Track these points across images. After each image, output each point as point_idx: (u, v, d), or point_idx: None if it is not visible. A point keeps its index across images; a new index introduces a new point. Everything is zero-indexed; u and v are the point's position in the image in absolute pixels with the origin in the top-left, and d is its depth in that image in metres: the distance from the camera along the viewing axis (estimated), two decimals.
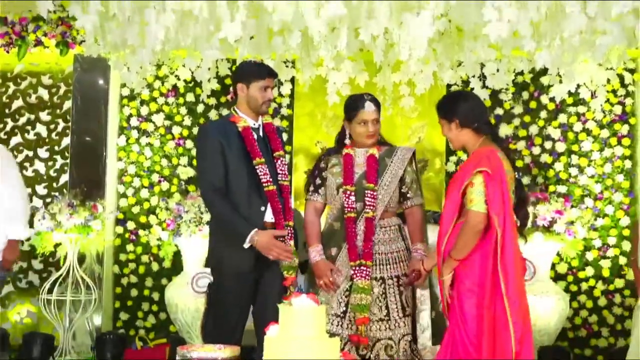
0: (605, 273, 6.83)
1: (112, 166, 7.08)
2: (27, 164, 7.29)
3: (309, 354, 3.26)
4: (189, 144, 7.13)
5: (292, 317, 3.36)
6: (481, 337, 3.86)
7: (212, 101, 7.13)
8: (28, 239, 6.95)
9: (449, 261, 4.01)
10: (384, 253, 4.57)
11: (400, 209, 4.71)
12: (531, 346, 3.92)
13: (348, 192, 4.56)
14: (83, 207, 6.53)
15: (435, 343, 4.83)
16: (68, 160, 7.09)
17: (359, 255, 4.49)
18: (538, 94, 6.99)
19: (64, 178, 7.18)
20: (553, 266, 6.64)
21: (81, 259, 6.67)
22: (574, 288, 6.84)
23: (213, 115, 7.11)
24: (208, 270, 4.99)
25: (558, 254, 6.57)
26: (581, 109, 6.94)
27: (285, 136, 6.79)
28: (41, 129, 7.30)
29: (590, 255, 6.84)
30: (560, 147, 6.94)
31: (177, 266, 6.85)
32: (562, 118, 6.95)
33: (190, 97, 7.16)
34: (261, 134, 4.56)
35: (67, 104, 7.19)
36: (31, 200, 7.22)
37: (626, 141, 6.88)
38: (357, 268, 4.47)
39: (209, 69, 4.94)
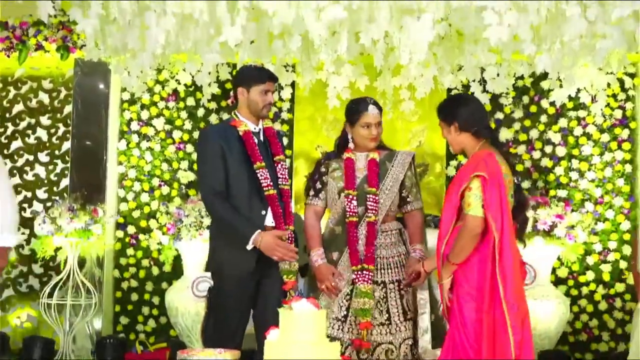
0: (606, 277, 6.82)
1: (112, 170, 7.08)
2: (27, 168, 7.29)
3: (309, 358, 3.26)
4: (190, 148, 7.13)
5: (292, 321, 3.36)
6: (480, 340, 3.86)
7: (213, 105, 7.13)
8: (22, 246, 7.01)
9: (448, 265, 4.01)
10: (385, 257, 4.57)
11: (400, 213, 4.71)
12: (531, 350, 3.92)
13: (350, 197, 4.56)
14: (83, 211, 6.53)
15: (435, 346, 4.82)
16: (68, 165, 7.09)
17: (360, 259, 4.49)
18: (538, 98, 6.99)
19: (65, 182, 7.18)
20: (554, 270, 6.63)
21: (81, 263, 6.67)
22: (574, 292, 6.83)
23: (213, 119, 7.11)
24: (208, 274, 5.01)
25: (558, 258, 6.56)
26: (581, 113, 6.94)
27: (285, 140, 6.78)
28: (42, 133, 7.30)
29: (590, 260, 6.83)
30: (561, 151, 6.94)
31: (177, 270, 6.84)
32: (563, 122, 6.95)
33: (190, 101, 7.16)
34: (262, 138, 4.56)
35: (68, 108, 7.20)
36: (31, 205, 7.25)
37: (626, 145, 6.88)
38: (359, 272, 4.47)
39: (209, 73, 4.94)
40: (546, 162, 6.95)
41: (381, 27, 3.80)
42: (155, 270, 7.08)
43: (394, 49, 4.31)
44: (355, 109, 4.60)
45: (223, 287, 4.48)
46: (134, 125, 7.15)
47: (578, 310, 6.82)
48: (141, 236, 7.10)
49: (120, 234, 7.10)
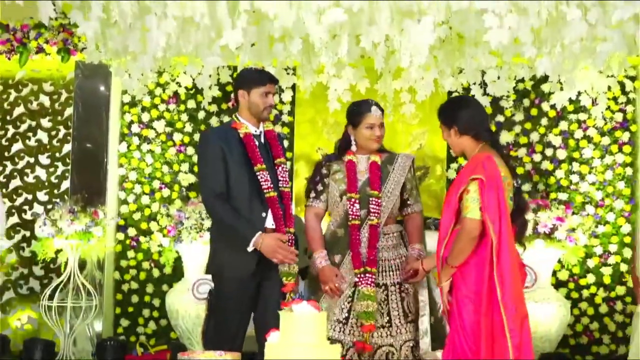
0: (607, 280, 6.83)
1: (113, 173, 7.09)
2: (28, 171, 7.30)
3: None
4: (190, 150, 7.13)
5: (292, 323, 3.36)
6: (479, 343, 3.87)
7: (213, 108, 7.13)
8: (23, 248, 7.02)
9: (446, 268, 4.01)
10: (387, 260, 4.57)
11: (400, 215, 4.71)
12: (531, 352, 3.92)
13: (352, 200, 4.55)
14: (84, 214, 6.53)
15: (435, 348, 4.83)
16: (69, 167, 7.10)
17: (363, 262, 4.49)
18: (539, 101, 7.00)
19: (65, 184, 7.19)
20: (554, 273, 6.64)
21: (82, 265, 6.67)
22: (575, 295, 6.83)
23: (214, 122, 7.12)
24: (209, 276, 5.00)
25: (559, 261, 6.57)
26: (582, 116, 6.94)
27: (286, 143, 6.78)
28: (42, 136, 7.31)
29: (591, 262, 6.84)
30: (561, 154, 6.94)
31: (177, 272, 6.85)
32: (563, 125, 6.96)
33: (191, 103, 7.16)
34: (262, 140, 4.56)
35: (69, 111, 7.20)
36: (32, 207, 7.25)
37: (627, 148, 6.88)
38: (362, 275, 4.46)
39: (210, 75, 4.95)
40: (547, 165, 6.95)
41: (382, 30, 3.79)
42: (155, 273, 7.08)
43: (394, 52, 4.31)
44: (357, 110, 4.61)
45: (223, 290, 4.48)
46: (135, 128, 7.16)
47: (579, 313, 6.82)
48: (142, 238, 7.10)
49: (120, 236, 7.10)
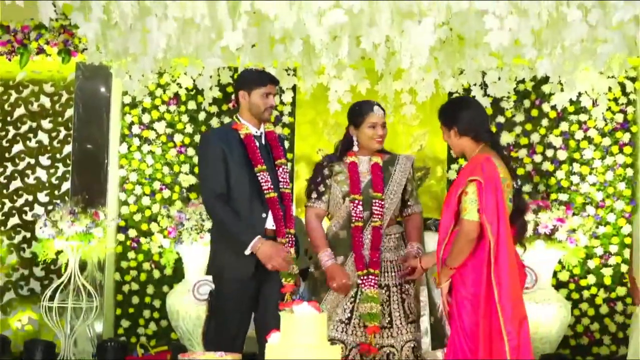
0: (607, 281, 6.83)
1: (113, 174, 7.09)
2: (28, 172, 7.30)
3: None
4: (191, 151, 7.14)
5: (293, 324, 3.36)
6: (478, 344, 3.87)
7: (214, 109, 7.14)
8: (23, 249, 7.04)
9: (445, 269, 4.01)
10: (389, 260, 4.57)
11: (400, 216, 4.71)
12: (530, 354, 3.91)
13: (356, 202, 4.54)
14: (84, 215, 6.53)
15: (435, 348, 4.84)
16: (70, 168, 7.10)
17: (365, 264, 4.48)
18: (539, 102, 7.00)
19: (66, 185, 7.19)
20: (555, 274, 6.64)
21: (82, 266, 6.67)
22: (575, 296, 6.83)
23: (215, 123, 7.12)
24: (209, 277, 5.00)
25: (560, 262, 6.57)
26: (582, 117, 6.95)
27: (286, 144, 6.77)
28: (43, 137, 7.31)
29: (592, 263, 6.84)
30: (562, 155, 6.94)
31: (178, 274, 6.85)
32: (564, 126, 6.96)
33: (192, 105, 7.17)
34: (263, 141, 4.57)
35: (69, 112, 7.20)
36: (32, 208, 7.25)
37: (628, 149, 6.88)
38: (365, 277, 4.46)
39: (210, 76, 4.94)
40: (547, 166, 6.96)
41: (382, 31, 3.79)
42: (156, 274, 7.08)
43: (395, 53, 4.31)
44: (360, 110, 4.60)
45: (224, 291, 4.48)
46: (135, 129, 7.16)
47: (579, 314, 6.83)
48: (142, 239, 7.10)
49: (121, 237, 7.10)
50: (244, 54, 4.46)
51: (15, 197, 7.28)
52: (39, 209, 7.19)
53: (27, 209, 7.27)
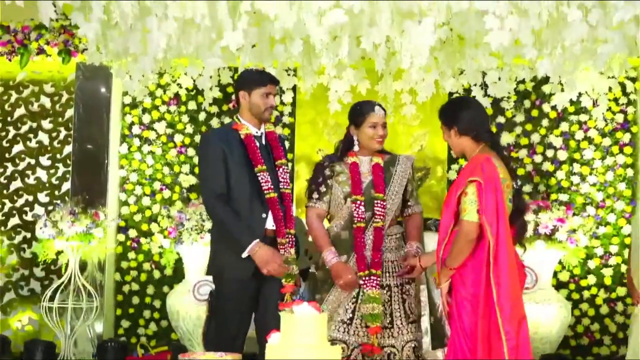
0: (607, 281, 6.83)
1: (113, 174, 7.09)
2: (29, 172, 7.30)
3: None
4: (191, 151, 7.14)
5: (293, 324, 3.36)
6: (477, 344, 3.87)
7: (214, 109, 7.14)
8: (23, 249, 7.04)
9: (445, 270, 4.01)
10: (391, 261, 4.57)
11: (401, 216, 4.71)
12: (529, 355, 3.91)
13: (358, 202, 4.54)
14: (85, 215, 6.53)
15: (435, 347, 4.84)
16: (70, 168, 7.10)
17: (367, 265, 4.48)
18: (540, 102, 7.00)
19: (66, 186, 7.19)
20: (555, 274, 6.64)
21: (83, 266, 6.67)
22: (576, 296, 6.83)
23: (215, 123, 7.12)
24: (209, 278, 5.00)
25: (560, 262, 6.57)
26: (583, 117, 6.95)
27: (286, 144, 6.78)
28: (43, 137, 7.31)
29: (592, 264, 6.84)
30: (562, 155, 6.95)
31: (178, 274, 6.85)
32: (564, 126, 6.96)
33: (192, 105, 7.17)
34: (263, 141, 4.57)
35: (69, 112, 7.20)
36: (33, 208, 7.26)
37: (628, 149, 6.89)
38: (367, 278, 4.45)
39: (210, 77, 4.94)
40: (547, 166, 6.96)
41: (382, 31, 3.79)
42: (156, 274, 7.08)
43: (395, 53, 4.30)
44: (361, 110, 4.60)
45: (224, 291, 4.48)
46: (136, 129, 7.16)
47: (579, 314, 6.83)
48: (142, 240, 7.10)
49: (121, 237, 7.10)
50: (244, 54, 4.46)
51: (15, 198, 7.28)
52: (39, 209, 7.19)
53: (27, 209, 7.27)
